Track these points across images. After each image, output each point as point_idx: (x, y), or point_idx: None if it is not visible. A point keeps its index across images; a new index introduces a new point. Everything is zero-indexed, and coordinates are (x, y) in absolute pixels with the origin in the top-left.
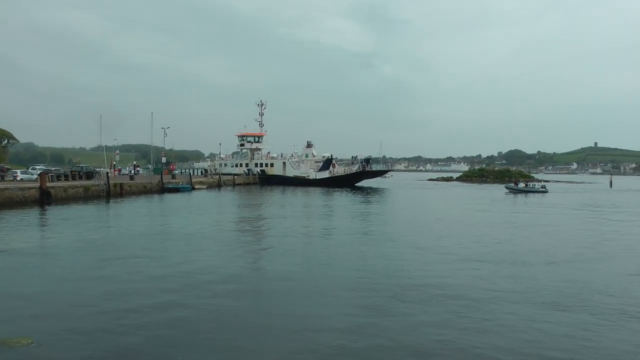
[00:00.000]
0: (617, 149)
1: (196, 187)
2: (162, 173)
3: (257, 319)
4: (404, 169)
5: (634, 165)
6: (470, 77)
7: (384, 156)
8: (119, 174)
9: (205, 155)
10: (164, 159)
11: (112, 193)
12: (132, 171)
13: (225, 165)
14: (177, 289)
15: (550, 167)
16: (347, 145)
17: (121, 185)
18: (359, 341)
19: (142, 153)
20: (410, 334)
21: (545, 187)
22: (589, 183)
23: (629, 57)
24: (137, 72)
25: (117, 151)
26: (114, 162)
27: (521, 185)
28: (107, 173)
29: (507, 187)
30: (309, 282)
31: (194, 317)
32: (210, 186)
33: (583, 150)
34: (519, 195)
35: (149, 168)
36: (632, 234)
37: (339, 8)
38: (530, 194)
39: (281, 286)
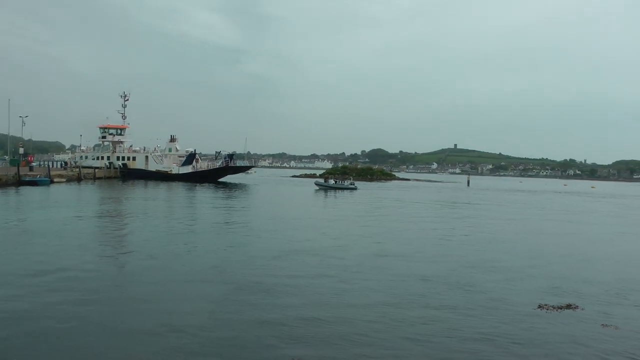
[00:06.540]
0: (475, 150)
1: (55, 180)
2: (19, 165)
3: (116, 321)
4: (268, 165)
5: (490, 166)
6: (337, 77)
7: (248, 152)
8: None
9: (66, 147)
10: (21, 150)
11: None
12: None
13: (86, 157)
14: (22, 292)
15: (411, 167)
16: (212, 141)
17: None
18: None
19: None
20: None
21: (354, 184)
22: (448, 182)
23: (486, 63)
24: None
25: None
26: None
27: (331, 182)
28: None
29: (317, 184)
30: (168, 278)
31: (44, 321)
32: (69, 179)
33: (443, 151)
34: (329, 191)
35: (5, 159)
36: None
37: (208, 1)
38: (340, 191)
39: (141, 281)
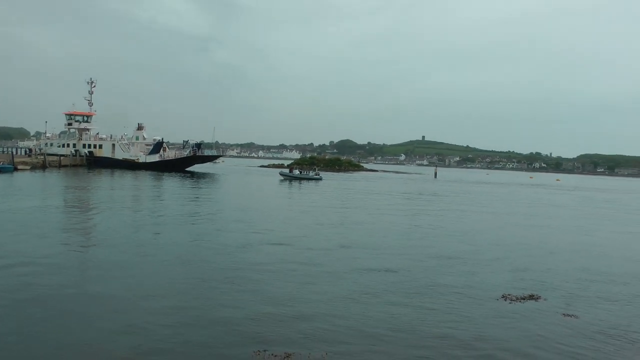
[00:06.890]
0: (442, 142)
1: (19, 167)
2: None
3: (74, 318)
4: (236, 155)
5: (457, 159)
6: (307, 68)
7: (216, 142)
8: None
9: (31, 134)
10: None
11: None
12: None
13: (52, 145)
14: None
15: (379, 158)
16: (180, 130)
17: None
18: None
19: None
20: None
21: (319, 175)
22: (416, 173)
23: (455, 58)
24: None
25: None
26: None
27: (296, 172)
28: None
29: (281, 174)
30: (131, 272)
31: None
32: (34, 167)
33: (411, 142)
34: (294, 181)
35: None
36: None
37: None
38: (304, 181)
39: (107, 274)
